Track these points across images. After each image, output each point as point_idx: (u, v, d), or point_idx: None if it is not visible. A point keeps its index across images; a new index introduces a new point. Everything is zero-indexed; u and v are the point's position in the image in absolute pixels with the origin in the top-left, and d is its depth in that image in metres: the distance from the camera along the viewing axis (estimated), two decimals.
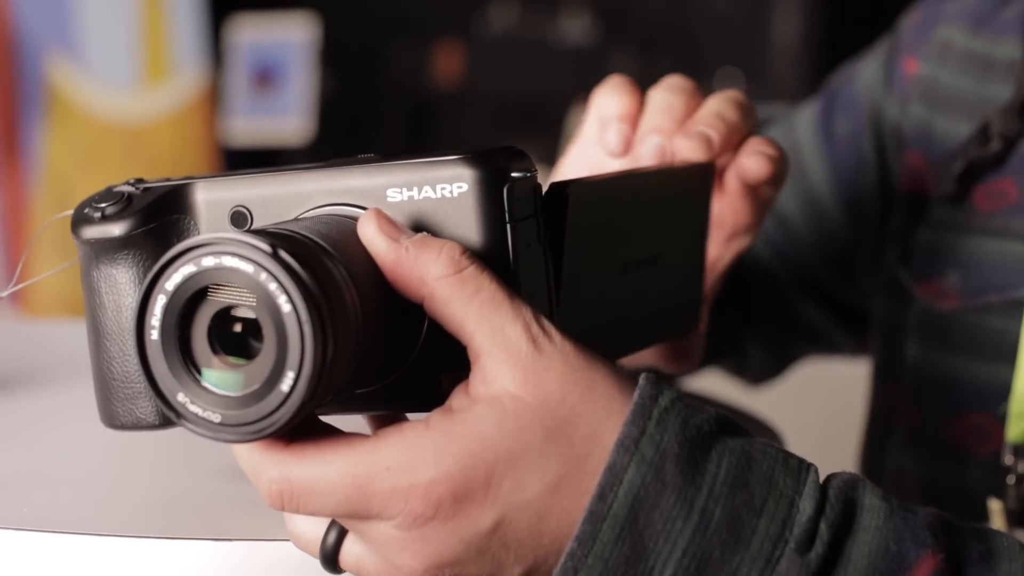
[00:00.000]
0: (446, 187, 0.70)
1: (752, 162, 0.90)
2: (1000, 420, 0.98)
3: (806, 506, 0.68)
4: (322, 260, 0.66)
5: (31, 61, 3.49)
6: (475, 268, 0.68)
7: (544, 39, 3.80)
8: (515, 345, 0.68)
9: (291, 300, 0.63)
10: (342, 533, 0.70)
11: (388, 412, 0.76)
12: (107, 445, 0.86)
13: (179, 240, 0.74)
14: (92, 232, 0.74)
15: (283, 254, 0.63)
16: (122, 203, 0.74)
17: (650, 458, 0.67)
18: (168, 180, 0.75)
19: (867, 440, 1.16)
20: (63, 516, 0.77)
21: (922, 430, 1.05)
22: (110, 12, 3.51)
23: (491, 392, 0.67)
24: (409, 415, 0.74)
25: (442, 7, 3.89)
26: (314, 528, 0.71)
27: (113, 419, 0.75)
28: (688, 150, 0.88)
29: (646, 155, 0.90)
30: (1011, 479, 0.96)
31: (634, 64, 3.45)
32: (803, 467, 0.69)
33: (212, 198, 0.74)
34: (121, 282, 0.74)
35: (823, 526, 0.68)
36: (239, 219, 0.73)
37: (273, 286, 0.63)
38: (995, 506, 0.96)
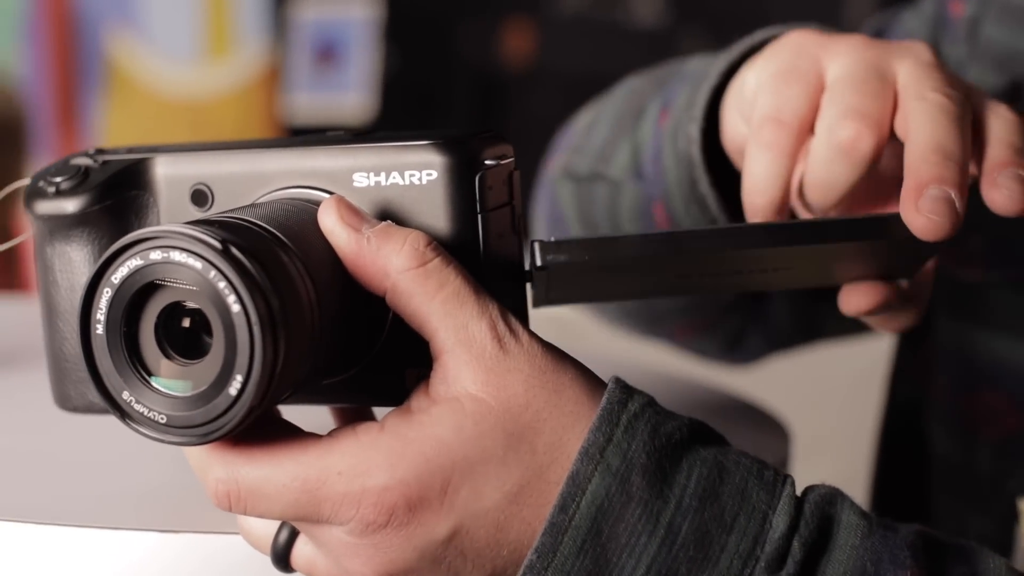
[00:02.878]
0: (415, 174, 0.67)
1: (1000, 196, 0.74)
2: (1016, 404, 0.93)
3: (779, 522, 0.64)
4: (276, 254, 0.63)
5: (90, 35, 3.49)
6: (440, 261, 0.65)
7: (615, 20, 3.76)
8: (479, 344, 0.65)
9: (240, 300, 0.60)
10: (294, 533, 0.68)
11: (353, 406, 0.74)
12: (61, 429, 0.84)
13: (138, 218, 0.72)
14: (45, 207, 0.72)
15: (234, 251, 0.61)
16: (77, 177, 0.72)
17: (616, 468, 0.64)
18: (131, 151, 0.72)
19: (887, 414, 1.11)
20: (7, 503, 0.76)
21: (942, 404, 1.00)
22: None
23: (452, 393, 0.64)
24: (376, 410, 0.70)
25: None
26: (266, 526, 0.69)
27: (66, 401, 0.72)
28: (1002, 201, 0.73)
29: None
30: None
31: (707, 47, 3.40)
32: (779, 480, 0.65)
33: (172, 174, 0.71)
34: (75, 260, 0.72)
35: (796, 544, 0.64)
36: (199, 198, 0.71)
37: (222, 284, 0.61)
38: None
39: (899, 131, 0.74)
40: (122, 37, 3.50)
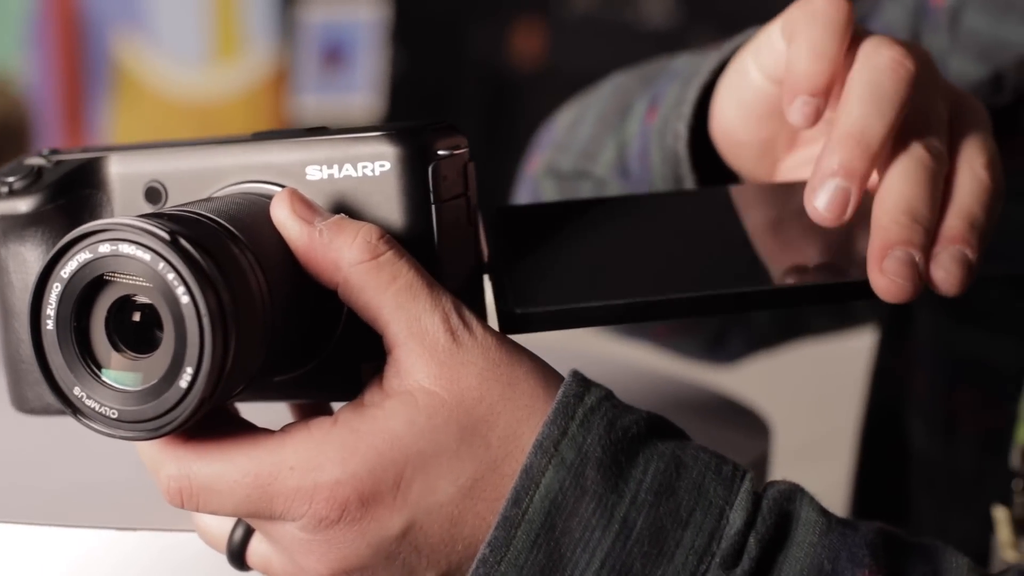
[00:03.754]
0: (367, 165, 0.67)
1: (939, 275, 0.70)
2: (997, 402, 0.92)
3: (736, 518, 0.64)
4: (227, 246, 0.62)
5: (97, 38, 3.49)
6: (393, 254, 0.65)
7: (625, 20, 3.75)
8: (432, 337, 0.64)
9: (190, 291, 0.60)
10: (249, 530, 0.68)
11: (310, 401, 0.73)
12: (18, 429, 0.84)
13: (91, 217, 0.72)
14: None
15: (183, 242, 0.60)
16: (30, 177, 0.71)
17: (570, 462, 0.63)
18: (85, 151, 0.72)
19: (869, 411, 1.10)
20: None
21: (922, 400, 1.00)
22: None
23: (405, 387, 0.64)
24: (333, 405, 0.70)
25: None
26: (221, 523, 0.68)
27: (23, 403, 0.72)
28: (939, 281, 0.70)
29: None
30: (1018, 484, 0.91)
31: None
32: (737, 475, 0.65)
33: (126, 172, 0.71)
34: (30, 260, 0.71)
35: (752, 540, 0.63)
36: (153, 195, 0.70)
37: (171, 276, 0.60)
38: (1001, 515, 0.91)
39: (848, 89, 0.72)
40: (129, 39, 3.51)
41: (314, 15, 3.63)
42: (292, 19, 3.64)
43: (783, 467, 1.10)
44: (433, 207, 0.67)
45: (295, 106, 3.64)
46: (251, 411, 0.69)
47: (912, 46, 0.72)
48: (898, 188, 0.70)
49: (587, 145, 0.99)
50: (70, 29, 3.47)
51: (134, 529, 0.71)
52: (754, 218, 0.75)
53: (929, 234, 0.69)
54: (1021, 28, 0.95)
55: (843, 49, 0.71)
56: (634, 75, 1.01)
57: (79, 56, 3.49)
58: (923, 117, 0.71)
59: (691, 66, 0.88)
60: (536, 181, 1.08)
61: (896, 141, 0.70)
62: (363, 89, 3.58)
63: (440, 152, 0.67)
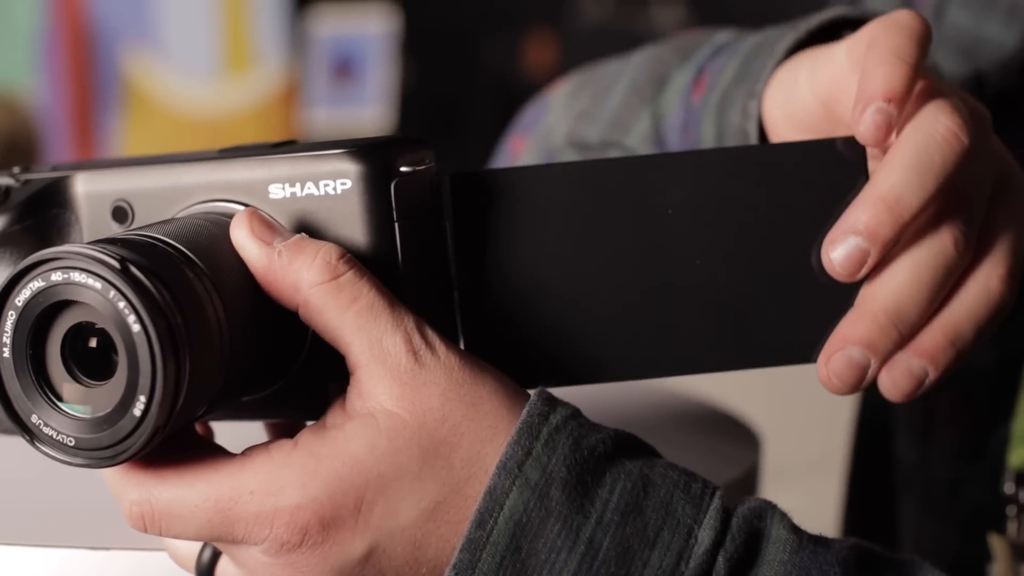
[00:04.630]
0: (329, 183, 0.66)
1: (889, 384, 0.69)
2: (971, 407, 0.91)
3: (705, 537, 0.63)
4: (180, 271, 0.62)
5: (107, 53, 3.50)
6: (353, 274, 0.64)
7: (637, 30, 3.75)
8: (394, 358, 0.64)
9: (140, 320, 0.60)
10: (217, 551, 0.68)
11: (280, 421, 0.73)
12: None
13: (60, 237, 0.71)
14: None
15: (133, 269, 0.60)
16: None
17: (535, 482, 0.62)
18: (54, 168, 0.72)
19: (860, 423, 1.09)
20: None
21: (904, 407, 0.98)
22: (190, 3, 3.51)
23: (367, 408, 0.63)
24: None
25: None
26: (190, 544, 0.68)
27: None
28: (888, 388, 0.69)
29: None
30: (1012, 510, 0.89)
31: None
32: (707, 493, 0.64)
33: (93, 191, 0.70)
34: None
35: (721, 559, 0.62)
36: (120, 215, 0.70)
37: (122, 304, 0.60)
38: (997, 543, 0.89)
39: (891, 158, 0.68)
40: (139, 54, 3.51)
41: (324, 28, 3.63)
42: (302, 33, 3.65)
43: (776, 480, 1.09)
44: (396, 225, 0.66)
45: (306, 120, 3.64)
46: (228, 424, 0.69)
47: (975, 113, 0.69)
48: (898, 282, 0.67)
49: (618, 115, 0.96)
50: (79, 44, 3.47)
51: (105, 548, 0.71)
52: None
53: (902, 340, 0.67)
54: (1001, 27, 0.93)
55: (922, 62, 0.68)
56: (669, 47, 0.99)
57: (89, 71, 3.49)
58: (964, 196, 0.68)
59: (743, 41, 0.85)
60: (552, 154, 1.05)
61: (929, 216, 0.67)
62: (374, 102, 3.58)
63: (403, 169, 0.66)
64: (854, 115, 0.67)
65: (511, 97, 3.84)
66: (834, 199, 0.69)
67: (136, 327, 0.59)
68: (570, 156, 1.01)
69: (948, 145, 0.67)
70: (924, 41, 0.69)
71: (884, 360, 0.67)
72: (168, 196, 0.69)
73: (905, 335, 0.67)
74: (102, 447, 0.61)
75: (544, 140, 1.04)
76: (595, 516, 0.62)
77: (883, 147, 0.68)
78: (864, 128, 0.67)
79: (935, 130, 0.67)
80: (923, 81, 0.69)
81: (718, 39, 0.90)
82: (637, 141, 0.93)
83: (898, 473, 1.00)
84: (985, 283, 0.68)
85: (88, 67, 3.50)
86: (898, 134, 0.68)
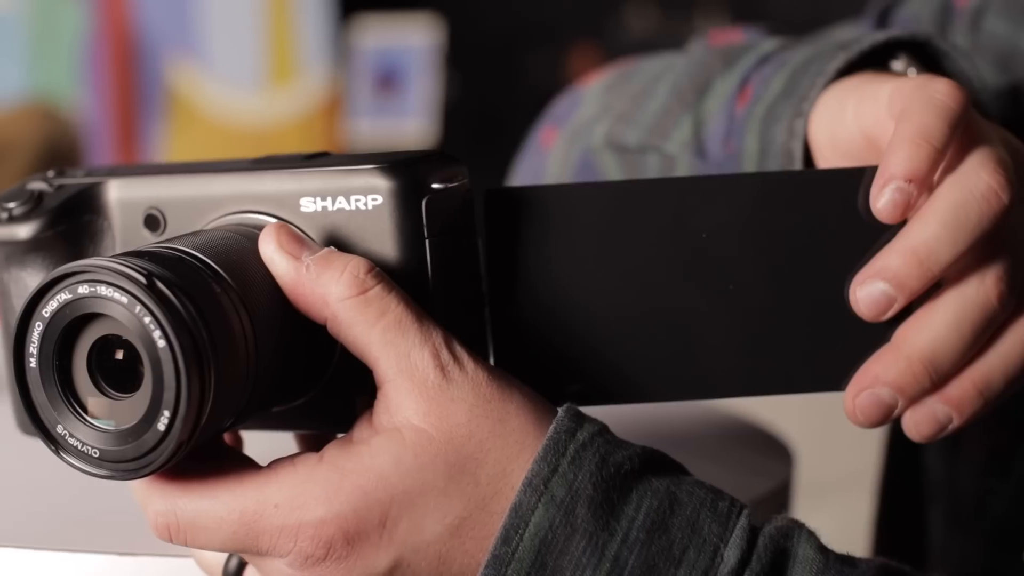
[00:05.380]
0: (360, 199, 0.66)
1: (911, 425, 0.69)
2: (998, 422, 0.90)
3: (731, 556, 0.62)
4: (208, 287, 0.62)
5: (151, 63, 3.52)
6: (381, 288, 0.64)
7: (680, 43, 3.73)
8: (421, 373, 0.63)
9: (166, 335, 0.59)
10: (244, 561, 0.67)
11: (310, 432, 0.72)
12: (23, 452, 0.84)
13: (92, 243, 0.71)
14: None
15: (159, 285, 0.59)
16: (31, 203, 0.71)
17: (560, 499, 0.62)
18: (88, 174, 0.71)
19: (892, 440, 1.08)
20: None
21: None
22: (234, 13, 3.52)
23: (394, 423, 0.63)
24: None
25: (576, 10, 3.85)
26: (217, 552, 0.67)
27: (27, 425, 0.71)
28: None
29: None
30: None
31: None
32: (733, 511, 0.63)
33: (125, 198, 0.70)
34: (31, 286, 0.70)
35: None
36: (152, 223, 0.70)
37: (148, 319, 0.59)
38: None
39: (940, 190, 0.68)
40: (184, 65, 3.53)
41: (368, 40, 3.64)
42: (346, 44, 3.66)
43: (808, 496, 1.09)
44: (427, 241, 0.66)
45: (349, 131, 3.65)
46: (257, 433, 0.69)
47: (1018, 158, 0.69)
48: (938, 330, 0.67)
49: (658, 119, 0.95)
50: (124, 55, 3.49)
51: (133, 554, 0.71)
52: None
53: (933, 387, 0.67)
54: None
55: (951, 142, 0.67)
56: (712, 51, 0.98)
57: (133, 81, 3.51)
58: (1012, 243, 0.67)
59: (790, 52, 0.84)
60: (592, 152, 1.03)
61: (973, 261, 0.67)
62: (417, 114, 3.59)
63: (435, 185, 0.65)
64: (873, 191, 0.67)
65: None
66: (871, 228, 0.68)
67: (161, 342, 0.59)
68: (608, 157, 1.00)
69: (987, 203, 0.66)
70: (956, 118, 0.68)
71: (912, 403, 0.67)
72: (200, 206, 0.68)
73: (937, 383, 0.67)
74: (126, 459, 0.61)
75: (577, 136, 1.03)
76: (621, 534, 0.62)
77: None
78: (882, 206, 0.67)
79: (975, 187, 0.66)
80: (966, 129, 0.68)
81: (764, 47, 0.89)
82: (677, 147, 0.92)
83: (926, 487, 0.99)
84: (1022, 336, 0.68)
85: (132, 77, 3.51)
86: (939, 182, 0.67)
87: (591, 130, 1.01)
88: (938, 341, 0.67)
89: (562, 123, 1.06)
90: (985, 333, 0.67)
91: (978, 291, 0.67)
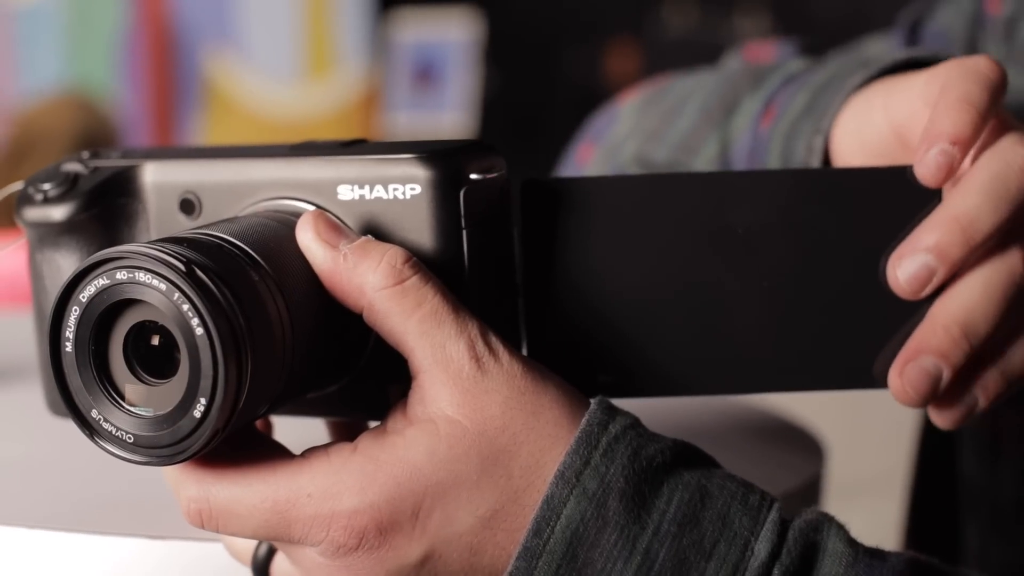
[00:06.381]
0: (398, 188, 0.65)
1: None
2: None
3: (761, 549, 0.62)
4: (246, 274, 0.61)
5: (188, 55, 3.52)
6: (418, 279, 0.63)
7: (720, 39, 3.74)
8: (456, 365, 0.63)
9: (204, 323, 0.59)
10: (273, 547, 0.67)
11: (345, 420, 0.72)
12: (50, 435, 0.84)
13: (127, 227, 0.70)
14: (33, 215, 0.70)
15: (198, 272, 0.59)
16: (66, 184, 0.70)
17: (592, 492, 0.61)
18: (124, 156, 0.71)
19: (924, 438, 1.07)
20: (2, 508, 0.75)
21: (970, 424, 0.97)
22: (273, 5, 3.53)
23: (428, 414, 0.62)
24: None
25: (616, 6, 3.85)
26: (247, 539, 0.67)
27: (58, 407, 0.71)
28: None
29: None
30: None
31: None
32: (764, 505, 0.63)
33: (161, 182, 0.69)
34: (64, 268, 0.70)
35: (777, 572, 0.61)
36: (188, 207, 0.69)
37: (186, 307, 0.59)
38: None
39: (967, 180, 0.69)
40: (221, 56, 3.53)
41: (407, 34, 3.65)
42: (384, 38, 3.66)
43: (839, 494, 1.07)
44: (464, 232, 0.65)
45: (387, 124, 3.65)
46: (290, 420, 0.68)
47: None
48: (969, 295, 0.67)
49: (686, 137, 0.95)
50: (161, 46, 3.50)
51: (164, 538, 0.71)
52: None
53: (973, 353, 0.67)
54: None
55: (993, 109, 0.68)
56: (741, 71, 0.98)
57: (170, 73, 3.52)
58: None
59: (813, 73, 0.85)
60: (622, 169, 1.04)
61: (1006, 236, 0.67)
62: (455, 108, 3.59)
63: (473, 176, 0.65)
64: (918, 153, 0.67)
65: (592, 106, 3.83)
66: (906, 227, 0.68)
67: (199, 330, 0.58)
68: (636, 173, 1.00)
69: None
70: (997, 89, 0.68)
71: (956, 372, 0.66)
72: (237, 191, 0.68)
73: (975, 348, 0.67)
74: (161, 446, 0.61)
75: (611, 154, 1.04)
76: (652, 527, 0.62)
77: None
78: (926, 167, 0.67)
79: (1013, 159, 0.67)
80: (1000, 117, 0.68)
81: (790, 68, 0.90)
82: (704, 164, 0.92)
83: (963, 492, 0.98)
84: None
85: (169, 69, 3.52)
86: (973, 162, 0.67)
87: (623, 147, 1.01)
88: (971, 306, 0.66)
89: (598, 140, 1.07)
90: (1016, 303, 0.67)
91: (1006, 262, 0.67)
